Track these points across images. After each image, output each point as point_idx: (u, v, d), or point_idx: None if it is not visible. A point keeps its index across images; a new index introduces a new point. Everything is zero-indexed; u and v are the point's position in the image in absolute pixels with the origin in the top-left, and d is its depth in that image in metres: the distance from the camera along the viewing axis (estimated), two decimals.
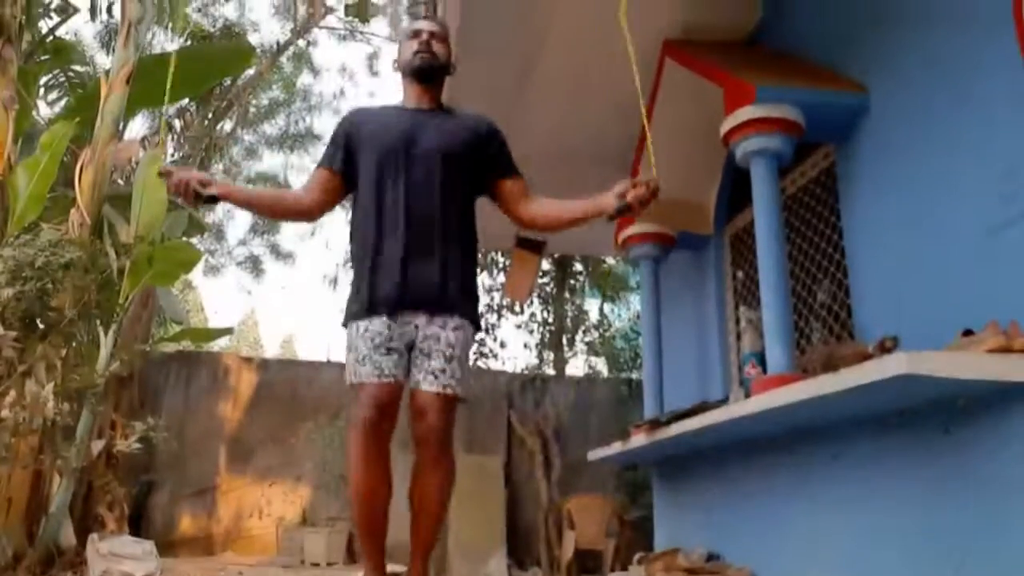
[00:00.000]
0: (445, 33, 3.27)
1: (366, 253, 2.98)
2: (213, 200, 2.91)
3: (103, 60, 12.69)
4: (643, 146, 5.32)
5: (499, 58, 5.29)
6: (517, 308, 11.59)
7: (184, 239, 7.85)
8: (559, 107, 6.01)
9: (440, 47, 3.20)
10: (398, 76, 3.29)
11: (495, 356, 11.46)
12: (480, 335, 11.14)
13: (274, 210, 3.38)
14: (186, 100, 12.34)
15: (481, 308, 11.32)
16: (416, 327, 2.89)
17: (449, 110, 3.27)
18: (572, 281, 11.97)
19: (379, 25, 16.18)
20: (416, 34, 3.19)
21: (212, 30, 13.37)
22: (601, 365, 12.19)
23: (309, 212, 3.21)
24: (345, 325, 3.00)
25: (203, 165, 12.87)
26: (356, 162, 3.11)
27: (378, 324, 2.86)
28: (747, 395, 3.69)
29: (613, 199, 2.88)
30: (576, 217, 3.07)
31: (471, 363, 3.11)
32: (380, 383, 2.79)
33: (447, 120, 3.18)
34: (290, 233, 18.58)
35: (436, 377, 2.85)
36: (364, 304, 2.91)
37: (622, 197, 2.85)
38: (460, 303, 2.97)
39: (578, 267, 12.00)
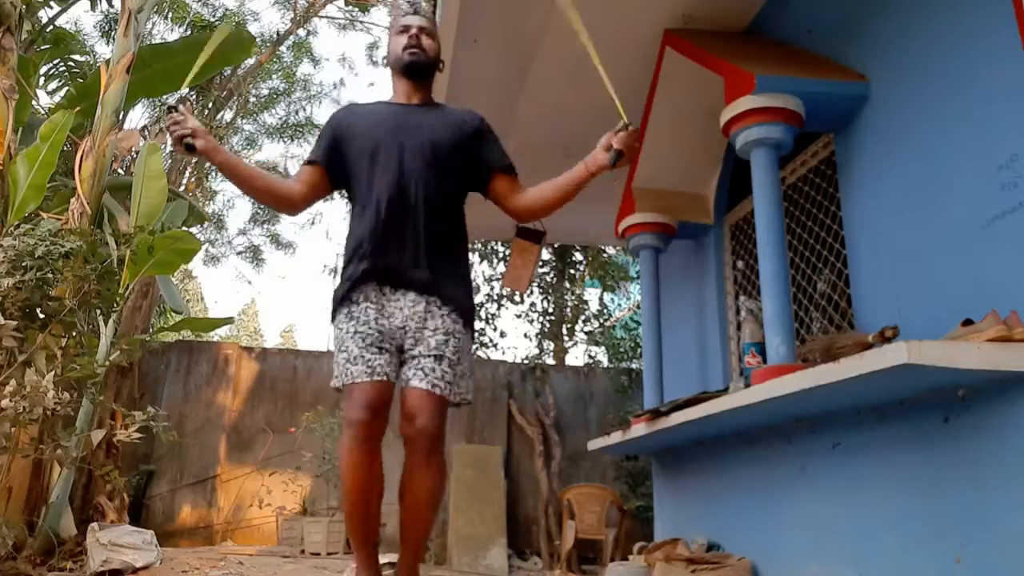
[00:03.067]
0: (434, 28, 3.27)
1: (355, 246, 2.98)
2: (191, 149, 2.90)
3: (103, 49, 12.70)
4: (643, 137, 5.31)
5: (498, 48, 5.29)
6: (517, 298, 11.59)
7: (184, 228, 7.85)
8: (558, 97, 6.00)
9: (429, 42, 3.20)
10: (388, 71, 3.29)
11: (495, 346, 11.47)
12: (480, 325, 11.15)
13: (259, 191, 3.16)
14: (186, 89, 12.32)
15: (481, 298, 11.39)
16: (405, 329, 2.88)
17: (438, 105, 3.27)
18: (572, 271, 11.96)
19: (379, 14, 16.12)
20: (405, 29, 3.19)
21: (212, 19, 13.35)
22: (601, 355, 12.18)
23: (292, 203, 3.16)
24: (333, 319, 3.01)
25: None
26: (343, 159, 3.10)
27: (361, 314, 2.87)
28: (747, 385, 3.69)
29: (603, 154, 2.88)
30: (572, 185, 3.03)
31: (471, 361, 3.06)
32: (372, 382, 2.78)
33: (436, 115, 3.18)
34: (290, 223, 18.63)
35: (425, 374, 2.82)
36: (351, 285, 2.91)
37: (610, 148, 2.85)
38: (452, 292, 2.96)
39: (578, 256, 12.00)
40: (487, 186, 3.19)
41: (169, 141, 2.96)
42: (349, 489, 2.79)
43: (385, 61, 3.27)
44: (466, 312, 2.99)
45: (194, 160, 12.57)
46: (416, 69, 3.17)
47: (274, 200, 3.21)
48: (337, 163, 3.12)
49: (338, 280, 3.07)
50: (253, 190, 3.17)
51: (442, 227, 2.99)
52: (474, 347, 3.00)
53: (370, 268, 2.90)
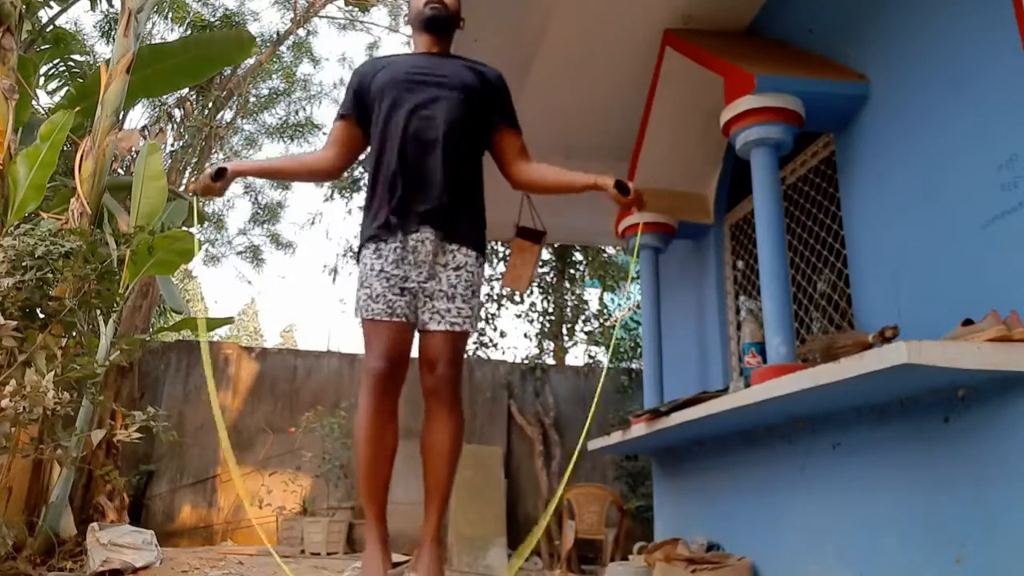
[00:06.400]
0: None
1: (378, 175, 3.05)
2: (222, 173, 2.97)
3: (103, 49, 12.70)
4: (643, 137, 5.32)
5: (499, 49, 5.28)
6: (517, 298, 11.60)
7: (184, 228, 7.84)
8: (558, 98, 6.01)
9: None
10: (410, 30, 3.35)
11: (495, 346, 11.47)
12: (480, 325, 11.15)
13: (294, 174, 3.39)
14: (186, 89, 12.32)
15: (481, 298, 11.38)
16: (424, 264, 2.93)
17: (460, 57, 3.35)
18: (572, 271, 11.96)
19: (379, 14, 16.13)
20: None
21: (212, 19, 13.34)
22: (601, 355, 12.19)
23: (331, 168, 3.28)
24: (358, 253, 3.08)
25: (203, 154, 12.86)
26: (371, 105, 3.16)
27: (390, 253, 2.93)
28: (747, 385, 3.70)
29: (612, 179, 2.95)
30: (569, 182, 3.14)
31: (480, 289, 3.14)
32: (391, 323, 2.88)
33: (457, 62, 3.26)
34: (290, 223, 18.65)
35: (442, 316, 2.91)
36: (377, 224, 2.99)
37: (623, 185, 2.91)
38: (467, 227, 3.04)
39: (578, 256, 12.00)
40: (492, 137, 3.25)
41: (196, 187, 3.04)
42: (363, 437, 2.88)
43: (407, 19, 3.32)
44: (480, 244, 3.09)
45: (194, 160, 12.57)
46: (437, 23, 3.24)
47: (312, 176, 3.37)
48: (365, 110, 3.19)
49: (362, 215, 3.15)
50: (289, 177, 3.32)
51: (459, 163, 3.06)
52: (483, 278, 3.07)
53: (394, 209, 2.96)
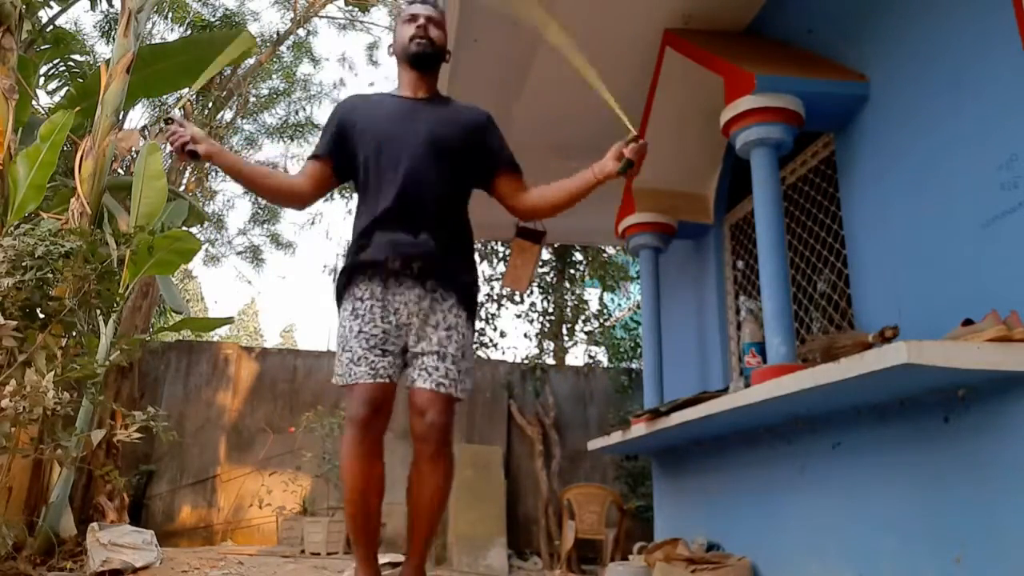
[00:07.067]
0: (441, 18, 3.24)
1: (359, 235, 2.97)
2: (195, 156, 2.89)
3: (103, 49, 12.70)
4: (643, 137, 5.30)
5: (498, 48, 5.28)
6: (517, 298, 11.59)
7: (184, 228, 7.84)
8: (557, 99, 5.99)
9: (437, 32, 3.16)
10: (394, 61, 3.28)
11: (495, 346, 11.47)
12: (480, 325, 11.14)
13: (264, 188, 3.17)
14: (186, 89, 12.33)
15: (481, 298, 11.36)
16: (410, 326, 2.87)
17: (445, 99, 3.24)
18: (572, 271, 11.96)
19: (379, 14, 16.12)
20: (413, 19, 3.15)
21: (212, 19, 13.35)
22: (601, 355, 12.18)
23: (299, 198, 3.14)
24: (338, 310, 3.01)
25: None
26: (349, 151, 3.08)
27: (366, 312, 2.86)
28: (747, 385, 3.69)
29: (612, 162, 2.88)
30: (578, 190, 3.00)
31: (472, 355, 3.05)
32: (375, 384, 2.80)
33: (443, 109, 3.15)
34: (290, 223, 18.63)
35: (430, 374, 2.82)
36: (352, 272, 2.93)
37: (621, 156, 2.85)
38: (455, 285, 2.95)
39: (578, 256, 11.99)
40: (491, 183, 3.17)
41: (170, 150, 2.95)
42: (350, 487, 2.79)
43: (391, 50, 3.24)
44: (470, 302, 3.00)
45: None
46: (423, 60, 3.13)
47: (280, 197, 3.20)
48: (342, 157, 3.10)
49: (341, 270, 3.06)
50: (259, 188, 3.16)
51: (447, 223, 2.98)
52: (474, 342, 3.02)
53: (374, 256, 2.89)
